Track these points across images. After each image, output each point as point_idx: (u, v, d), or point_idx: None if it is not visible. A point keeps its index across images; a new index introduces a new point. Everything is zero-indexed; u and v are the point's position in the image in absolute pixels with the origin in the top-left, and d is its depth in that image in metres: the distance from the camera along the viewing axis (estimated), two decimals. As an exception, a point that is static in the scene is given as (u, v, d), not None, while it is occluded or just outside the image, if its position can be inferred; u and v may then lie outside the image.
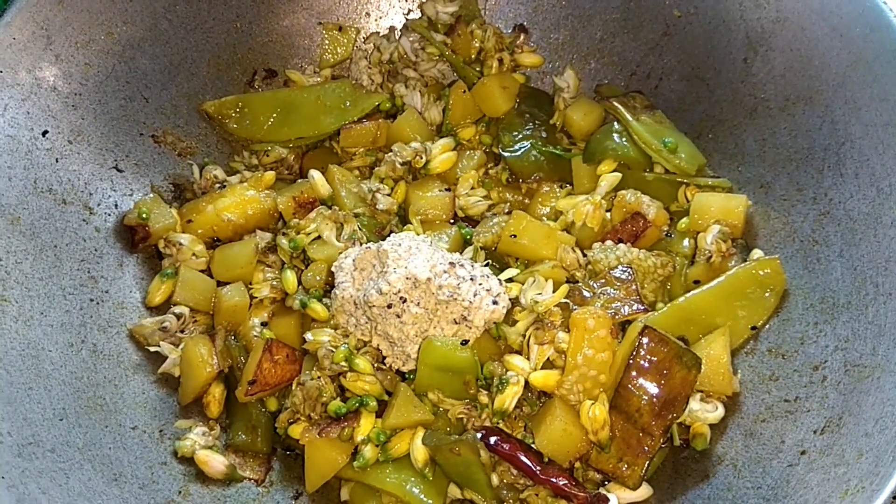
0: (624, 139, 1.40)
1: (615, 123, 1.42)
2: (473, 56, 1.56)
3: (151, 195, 1.39)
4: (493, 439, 1.14)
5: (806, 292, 1.20)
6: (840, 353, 1.09)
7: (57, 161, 1.27)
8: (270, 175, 1.43)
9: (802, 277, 1.21)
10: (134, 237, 1.34)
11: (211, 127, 1.50)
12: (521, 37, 1.58)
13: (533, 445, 1.15)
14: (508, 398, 1.16)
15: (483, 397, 1.18)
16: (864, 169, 1.16)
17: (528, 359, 1.19)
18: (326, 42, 1.59)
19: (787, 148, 1.29)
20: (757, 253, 1.27)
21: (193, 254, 1.34)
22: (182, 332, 1.30)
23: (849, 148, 1.19)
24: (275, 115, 1.49)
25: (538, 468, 1.12)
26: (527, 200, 1.46)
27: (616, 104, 1.43)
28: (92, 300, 1.25)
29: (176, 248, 1.34)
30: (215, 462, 1.18)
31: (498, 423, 1.18)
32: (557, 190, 1.44)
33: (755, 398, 1.16)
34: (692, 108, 1.44)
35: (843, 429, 1.00)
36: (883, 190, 1.13)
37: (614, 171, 1.39)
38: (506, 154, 1.47)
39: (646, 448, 1.10)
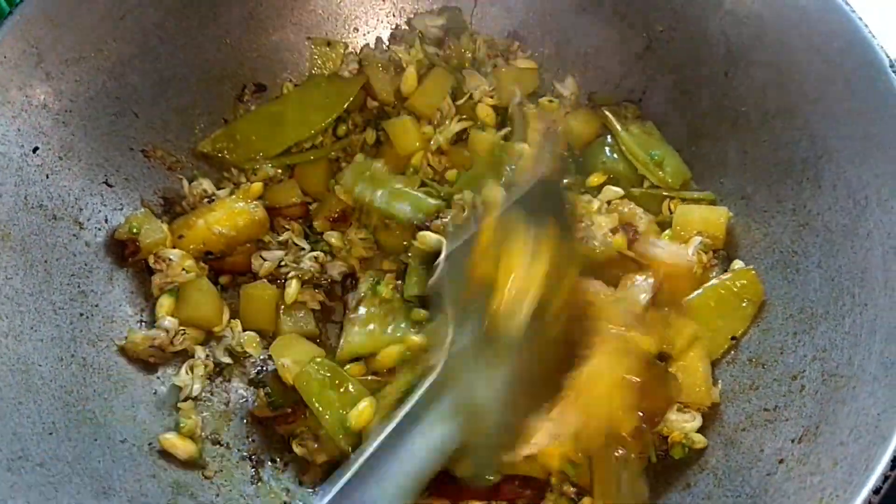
0: (615, 154, 1.43)
1: (608, 137, 1.45)
2: (467, 65, 1.58)
3: (142, 210, 1.40)
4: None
5: (785, 302, 1.21)
6: (818, 363, 1.11)
7: (47, 177, 1.29)
8: (258, 186, 1.45)
9: (782, 288, 1.23)
10: (125, 252, 1.35)
11: (206, 158, 1.51)
12: (516, 44, 1.60)
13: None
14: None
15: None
16: (841, 181, 1.18)
17: None
18: (315, 57, 1.61)
19: (767, 160, 1.31)
20: (738, 264, 1.29)
21: (183, 269, 1.35)
22: (172, 343, 1.32)
23: (827, 161, 1.21)
24: (264, 131, 1.51)
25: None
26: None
27: (607, 112, 1.46)
28: (82, 314, 1.27)
29: (166, 264, 1.35)
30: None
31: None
32: None
33: (736, 407, 1.17)
34: (674, 121, 1.46)
35: (819, 438, 1.02)
36: (859, 202, 1.14)
37: (604, 183, 1.41)
38: None
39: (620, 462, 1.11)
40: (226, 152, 1.51)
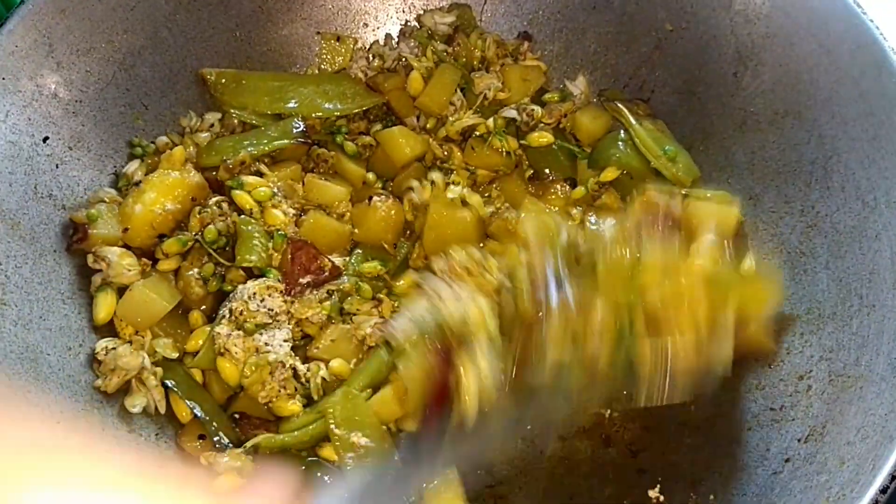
0: (628, 148, 1.42)
1: (621, 132, 1.45)
2: (477, 65, 1.57)
3: (104, 204, 1.31)
4: None
5: (793, 303, 1.22)
6: (825, 363, 1.11)
7: (57, 167, 1.29)
8: (179, 151, 1.35)
9: (790, 288, 1.23)
10: (72, 236, 1.27)
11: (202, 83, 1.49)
12: (525, 44, 1.60)
13: None
14: None
15: None
16: (850, 182, 1.19)
17: None
18: (324, 52, 1.61)
19: (775, 161, 1.32)
20: (749, 260, 1.29)
21: (125, 268, 1.27)
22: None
23: (835, 162, 1.21)
24: (269, 91, 1.49)
25: None
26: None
27: (620, 106, 1.46)
28: (90, 304, 1.27)
29: (105, 263, 1.27)
30: None
31: None
32: (568, 189, 1.47)
33: (742, 407, 1.18)
34: (683, 120, 1.46)
35: (826, 437, 1.02)
36: (868, 203, 1.15)
37: (618, 178, 1.42)
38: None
39: None
40: (222, 89, 1.49)
